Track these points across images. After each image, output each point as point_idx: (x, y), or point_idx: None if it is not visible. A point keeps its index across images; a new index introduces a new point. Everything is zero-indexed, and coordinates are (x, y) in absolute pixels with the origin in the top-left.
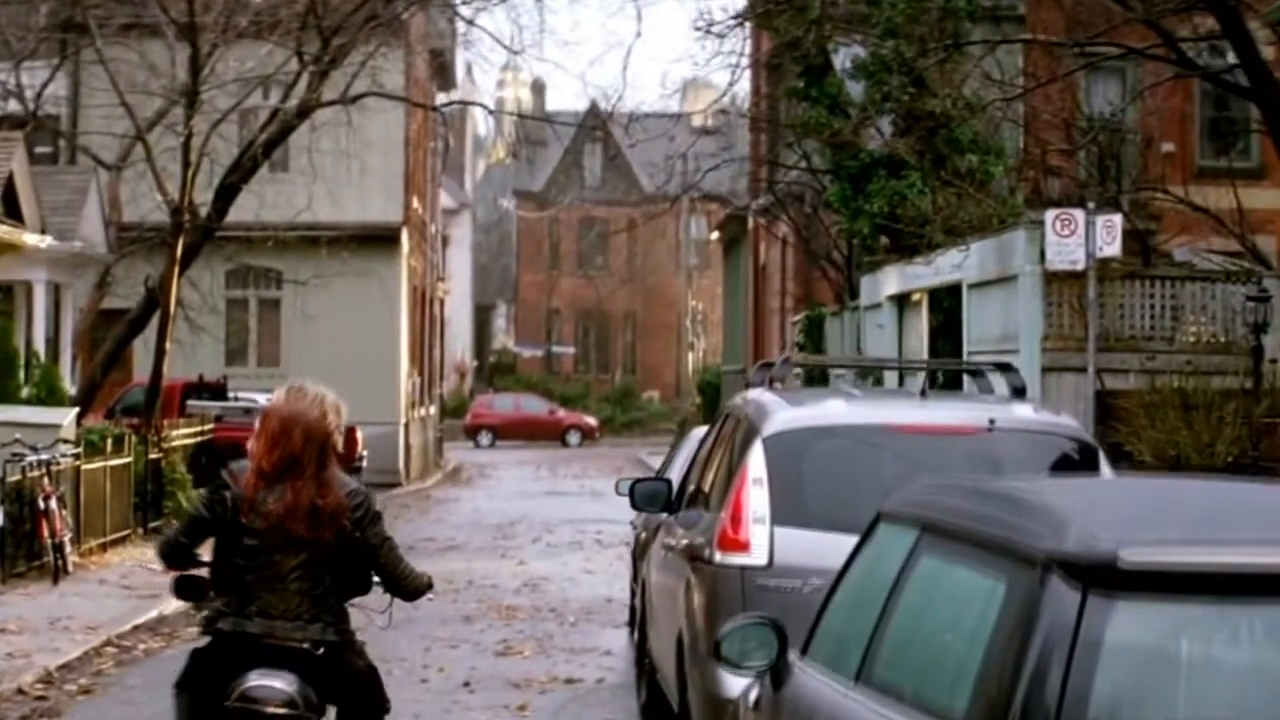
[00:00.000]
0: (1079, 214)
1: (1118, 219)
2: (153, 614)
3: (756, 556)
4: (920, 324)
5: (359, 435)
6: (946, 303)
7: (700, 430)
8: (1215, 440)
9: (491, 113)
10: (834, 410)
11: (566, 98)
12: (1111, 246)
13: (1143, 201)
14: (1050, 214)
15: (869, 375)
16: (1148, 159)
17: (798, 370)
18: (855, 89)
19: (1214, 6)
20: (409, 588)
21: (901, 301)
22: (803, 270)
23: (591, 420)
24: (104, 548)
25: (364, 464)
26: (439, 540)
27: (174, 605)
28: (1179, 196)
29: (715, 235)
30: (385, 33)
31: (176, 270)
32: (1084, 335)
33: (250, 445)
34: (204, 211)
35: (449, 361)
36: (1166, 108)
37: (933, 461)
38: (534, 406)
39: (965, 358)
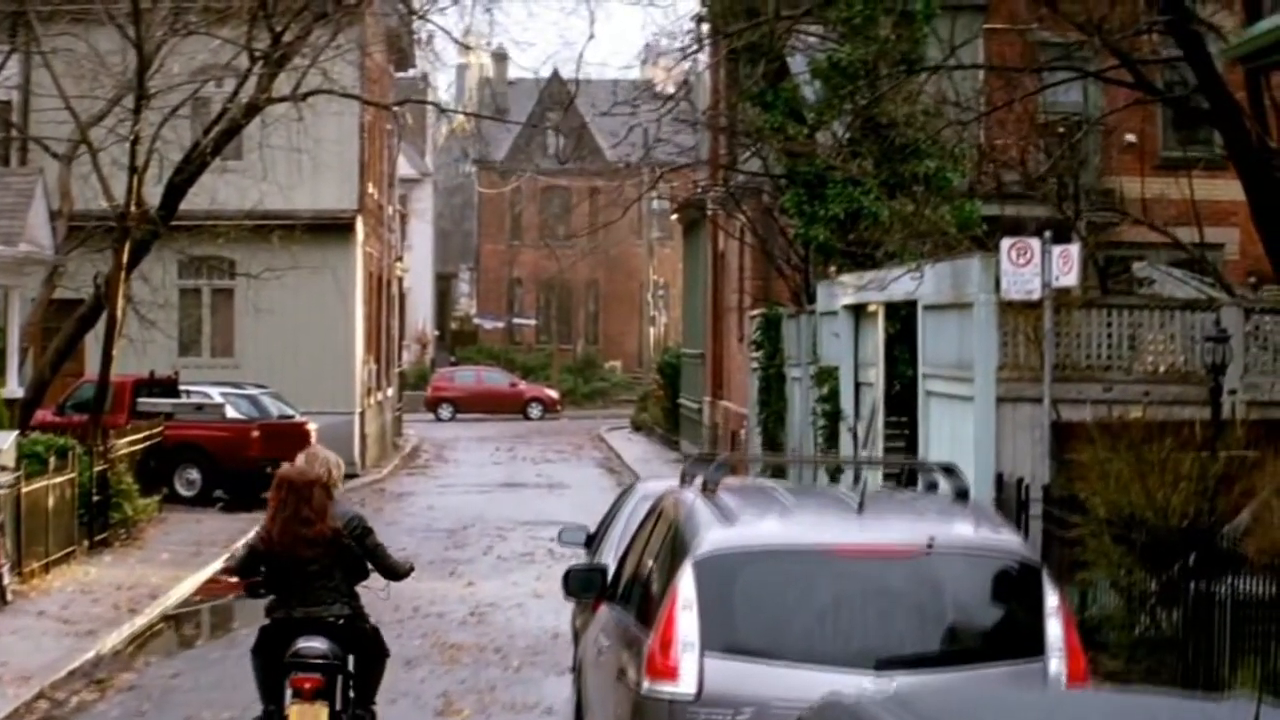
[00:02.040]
0: (1035, 243)
1: (1075, 249)
2: (89, 655)
3: (685, 686)
4: (876, 334)
5: (311, 429)
6: (903, 311)
7: (645, 486)
8: (1170, 498)
9: (443, 111)
10: (767, 530)
11: (530, 64)
12: (1068, 277)
13: (1102, 192)
14: (1006, 243)
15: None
16: (1109, 153)
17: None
18: (812, 93)
19: (1175, 31)
20: (397, 575)
21: (858, 311)
22: (761, 266)
23: (553, 393)
24: (46, 568)
25: None
26: (389, 549)
27: (110, 644)
28: (1138, 217)
29: (675, 217)
30: (335, 29)
31: (123, 274)
32: (1040, 365)
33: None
34: (153, 206)
35: (410, 333)
36: (1127, 125)
37: (869, 586)
38: (495, 379)
39: (920, 379)
